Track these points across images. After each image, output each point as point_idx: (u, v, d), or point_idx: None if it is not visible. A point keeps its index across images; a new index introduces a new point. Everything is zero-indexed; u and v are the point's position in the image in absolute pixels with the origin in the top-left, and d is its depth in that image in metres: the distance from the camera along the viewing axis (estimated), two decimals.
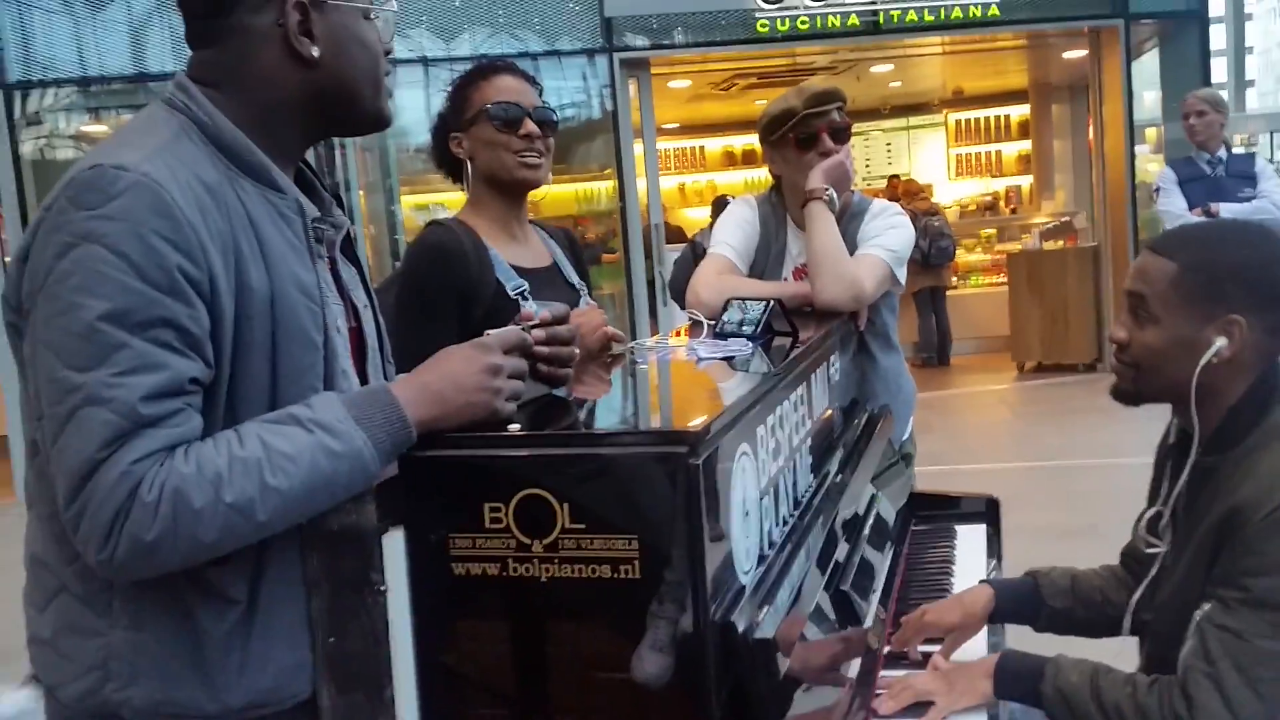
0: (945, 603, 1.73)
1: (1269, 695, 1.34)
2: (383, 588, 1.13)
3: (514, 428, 1.15)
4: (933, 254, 8.67)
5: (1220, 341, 1.42)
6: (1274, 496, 1.36)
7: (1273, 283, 1.44)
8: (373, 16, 1.24)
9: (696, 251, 7.04)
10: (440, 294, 1.85)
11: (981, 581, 1.79)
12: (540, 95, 1.99)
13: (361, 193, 7.78)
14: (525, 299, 1.88)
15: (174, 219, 1.04)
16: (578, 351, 1.37)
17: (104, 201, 1.03)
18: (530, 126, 1.92)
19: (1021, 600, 1.73)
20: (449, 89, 2.02)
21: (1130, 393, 1.53)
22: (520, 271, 1.93)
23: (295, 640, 1.15)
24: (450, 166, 2.02)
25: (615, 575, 1.08)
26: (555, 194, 8.20)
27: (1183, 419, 1.52)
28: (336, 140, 7.11)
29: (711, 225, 7.10)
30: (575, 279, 2.06)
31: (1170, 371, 1.46)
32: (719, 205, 7.26)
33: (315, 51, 1.17)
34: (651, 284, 7.71)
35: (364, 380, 1.30)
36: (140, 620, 1.11)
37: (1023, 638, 1.77)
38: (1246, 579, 1.36)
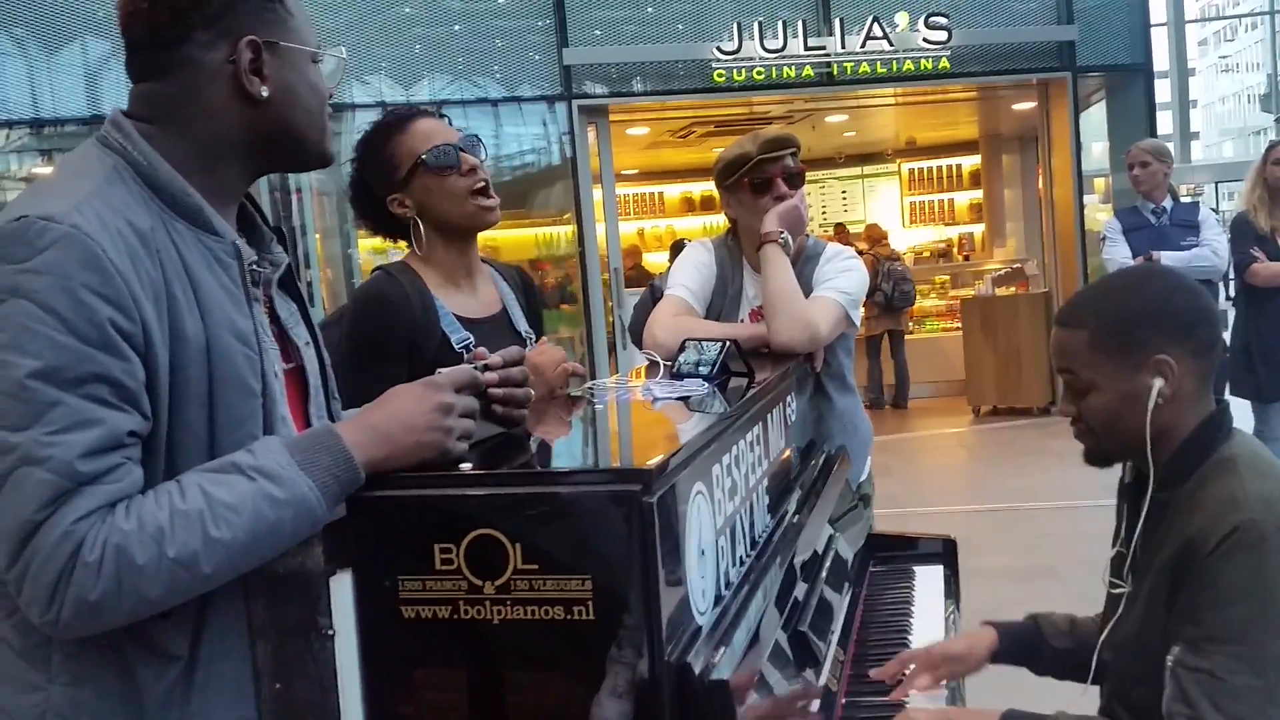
0: (952, 637, 1.75)
1: None
2: (330, 632, 1.10)
3: (465, 467, 1.14)
4: (895, 297, 8.84)
5: (1158, 383, 1.46)
6: (1223, 526, 1.37)
7: (1177, 312, 1.49)
8: (319, 60, 1.23)
9: (655, 294, 7.03)
10: (388, 343, 1.81)
11: (983, 623, 1.79)
12: (450, 124, 1.94)
13: (318, 236, 7.74)
14: (469, 350, 1.80)
15: (104, 271, 1.02)
16: (532, 393, 1.36)
17: (31, 255, 1.01)
18: (469, 160, 1.88)
19: (1024, 641, 1.74)
20: (360, 153, 1.94)
21: (1099, 455, 1.56)
22: (466, 322, 1.89)
23: (237, 696, 1.12)
24: (387, 227, 1.96)
25: (569, 616, 1.06)
26: (515, 239, 8.21)
27: (1141, 464, 1.54)
28: (293, 184, 7.10)
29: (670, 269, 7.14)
30: (524, 326, 2.02)
31: (1125, 426, 1.49)
32: (677, 249, 7.29)
33: (265, 91, 1.16)
34: (612, 328, 7.72)
35: (307, 419, 1.28)
36: (80, 676, 1.08)
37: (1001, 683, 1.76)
38: (1208, 614, 1.37)
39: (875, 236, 9.57)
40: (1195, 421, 1.49)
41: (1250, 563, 1.35)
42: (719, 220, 8.29)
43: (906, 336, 9.48)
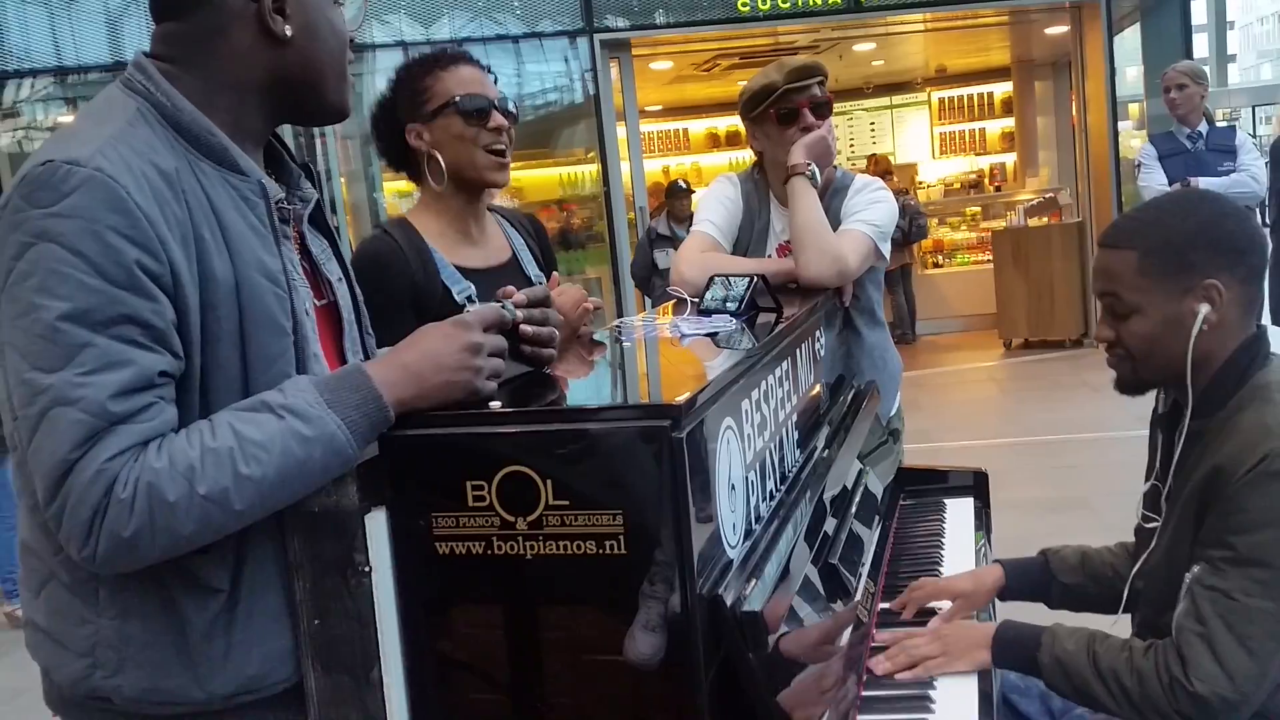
0: (958, 574, 1.75)
1: (1260, 652, 1.36)
2: (366, 569, 1.12)
3: (495, 405, 1.14)
4: (912, 232, 8.76)
5: (1204, 308, 1.43)
6: (1255, 453, 1.37)
7: (1230, 236, 1.46)
8: (340, 3, 1.22)
9: (650, 237, 7.04)
10: (388, 304, 1.76)
11: (994, 561, 1.80)
12: (495, 83, 1.94)
13: (343, 180, 7.73)
14: (472, 302, 1.83)
15: (129, 213, 1.03)
16: (557, 332, 1.36)
17: (57, 199, 1.02)
18: (498, 119, 1.87)
19: (1033, 577, 1.75)
20: (398, 75, 1.94)
21: (1133, 383, 1.54)
22: (470, 273, 1.89)
23: (279, 627, 1.15)
24: (400, 157, 1.95)
25: (601, 551, 1.07)
26: (538, 179, 8.17)
27: (1179, 393, 1.53)
28: (317, 129, 7.07)
29: (666, 211, 7.11)
30: (534, 271, 2.02)
31: (1165, 352, 1.47)
32: (673, 191, 7.23)
33: (288, 31, 1.15)
34: None
35: (342, 356, 1.29)
36: (126, 610, 1.11)
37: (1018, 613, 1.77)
38: (1232, 537, 1.37)
39: (883, 169, 9.42)
40: (1234, 347, 1.47)
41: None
42: (745, 156, 8.19)
43: (933, 270, 9.37)
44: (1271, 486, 1.35)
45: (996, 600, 1.77)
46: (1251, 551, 1.36)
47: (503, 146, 1.89)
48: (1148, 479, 1.64)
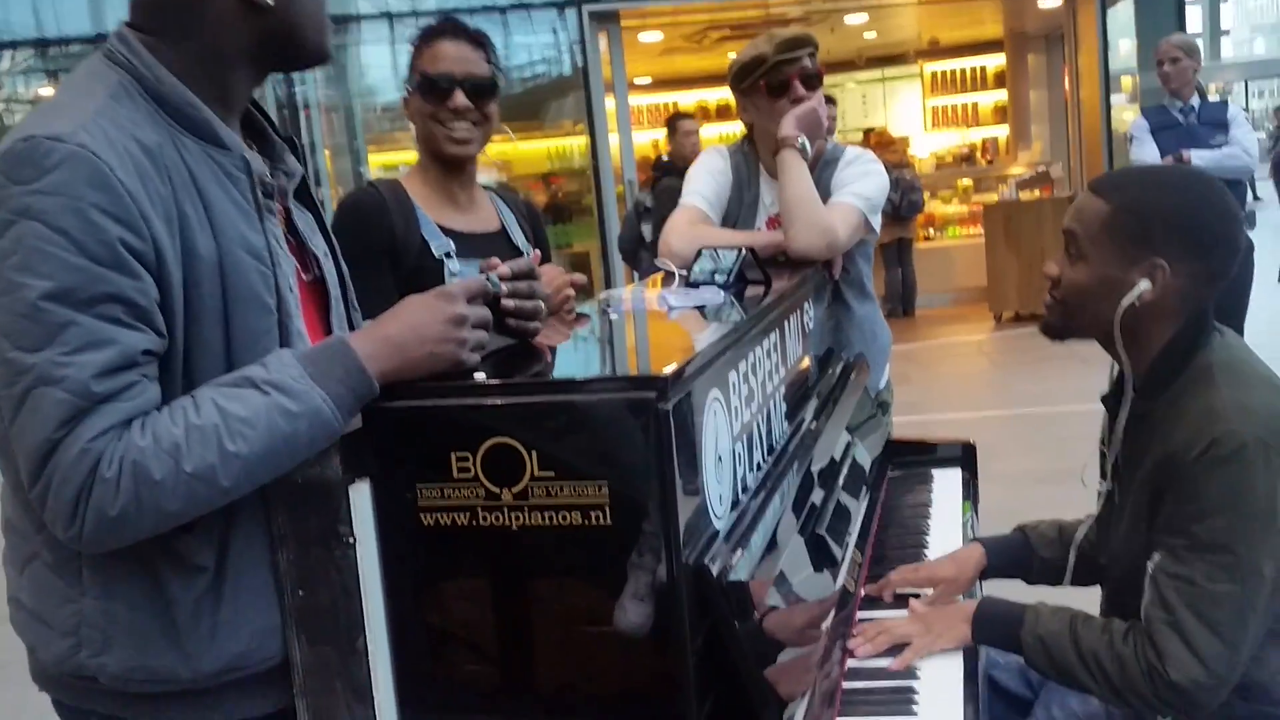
0: (939, 559, 1.74)
1: (1229, 635, 1.36)
2: (351, 540, 1.12)
3: (479, 377, 1.14)
4: (904, 206, 8.69)
5: (1143, 284, 1.43)
6: (1202, 438, 1.36)
7: (1200, 230, 1.43)
8: None
9: (639, 210, 6.99)
10: (363, 252, 1.78)
11: (972, 540, 1.79)
12: (489, 55, 1.94)
13: (328, 153, 7.67)
14: (450, 258, 1.87)
15: (112, 190, 1.01)
16: (543, 306, 1.35)
17: (39, 176, 1.00)
18: (459, 100, 1.88)
19: (1013, 554, 1.74)
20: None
21: (1056, 327, 1.54)
22: (454, 234, 1.92)
23: (265, 604, 1.15)
24: None
25: (586, 522, 1.07)
26: (526, 152, 8.12)
27: (1113, 357, 1.53)
28: (300, 101, 7.01)
29: (663, 158, 7.01)
30: (523, 242, 2.04)
31: (1094, 310, 1.47)
32: (672, 126, 7.03)
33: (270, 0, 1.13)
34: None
35: (328, 331, 1.29)
36: (110, 589, 1.11)
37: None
38: (1189, 524, 1.37)
39: (884, 143, 9.36)
40: (1170, 332, 1.46)
41: (1230, 473, 1.35)
42: (735, 129, 8.15)
43: (924, 243, 9.34)
44: (1222, 471, 1.35)
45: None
46: (1210, 537, 1.36)
47: (463, 124, 1.89)
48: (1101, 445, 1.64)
